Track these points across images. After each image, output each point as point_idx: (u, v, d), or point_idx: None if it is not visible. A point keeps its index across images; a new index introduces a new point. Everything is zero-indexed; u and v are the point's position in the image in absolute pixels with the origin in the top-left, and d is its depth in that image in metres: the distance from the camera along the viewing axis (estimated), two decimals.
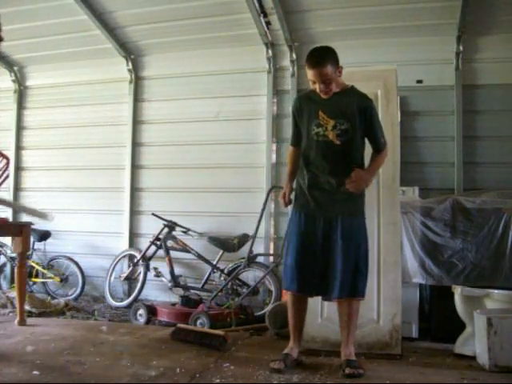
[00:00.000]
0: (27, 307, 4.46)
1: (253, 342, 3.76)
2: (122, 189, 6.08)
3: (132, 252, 5.67)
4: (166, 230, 5.35)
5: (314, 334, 3.39)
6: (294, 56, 5.50)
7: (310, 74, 2.91)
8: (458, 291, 3.48)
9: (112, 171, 6.16)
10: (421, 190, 4.54)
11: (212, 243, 5.20)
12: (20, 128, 6.58)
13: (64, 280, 5.79)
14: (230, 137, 5.73)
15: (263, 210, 4.93)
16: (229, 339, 3.42)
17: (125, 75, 6.13)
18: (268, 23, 5.27)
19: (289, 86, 5.56)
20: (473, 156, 5.05)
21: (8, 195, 6.47)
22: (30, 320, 4.20)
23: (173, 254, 5.30)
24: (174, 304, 4.76)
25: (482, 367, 3.07)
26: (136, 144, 6.09)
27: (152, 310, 4.55)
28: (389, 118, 3.53)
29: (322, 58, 2.87)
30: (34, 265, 5.84)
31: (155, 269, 5.32)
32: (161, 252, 5.31)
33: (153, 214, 5.45)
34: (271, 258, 5.35)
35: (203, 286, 5.17)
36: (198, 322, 4.17)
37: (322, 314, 3.46)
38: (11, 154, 6.41)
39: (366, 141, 3.06)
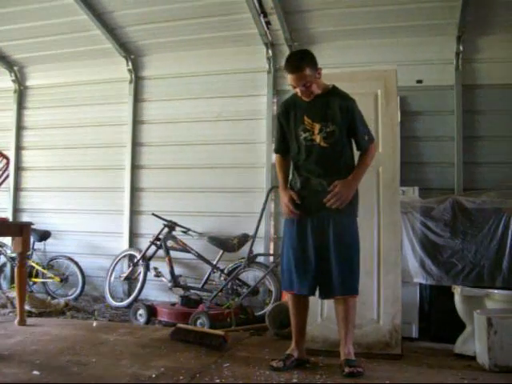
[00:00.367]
0: (27, 307, 4.46)
1: (253, 342, 3.76)
2: (121, 189, 6.08)
3: (132, 252, 5.67)
4: (166, 230, 5.35)
5: (314, 334, 3.38)
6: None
7: (289, 79, 2.94)
8: (458, 291, 3.48)
9: (112, 171, 6.16)
10: (421, 190, 4.53)
11: (212, 243, 5.20)
12: (20, 128, 6.58)
13: (64, 280, 5.79)
14: (230, 137, 5.74)
15: (263, 209, 4.94)
16: (229, 339, 3.42)
17: (125, 75, 6.13)
18: (268, 23, 5.27)
19: (289, 86, 5.54)
20: (473, 156, 5.05)
21: (8, 195, 6.48)
22: (29, 320, 4.20)
23: (173, 253, 5.30)
24: (173, 304, 4.75)
25: (482, 367, 3.07)
26: (136, 144, 6.09)
27: (152, 310, 4.55)
28: (389, 118, 3.53)
29: (300, 62, 2.89)
30: (34, 265, 5.84)
31: (155, 269, 5.32)
32: (161, 252, 5.32)
33: (153, 214, 5.45)
34: (271, 258, 5.35)
35: (203, 286, 5.18)
36: (198, 321, 4.17)
37: (321, 313, 3.45)
38: (11, 154, 6.43)
39: None
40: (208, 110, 5.83)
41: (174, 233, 5.38)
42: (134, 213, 6.03)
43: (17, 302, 4.15)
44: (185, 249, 5.31)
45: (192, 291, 5.06)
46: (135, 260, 5.48)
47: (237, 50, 5.75)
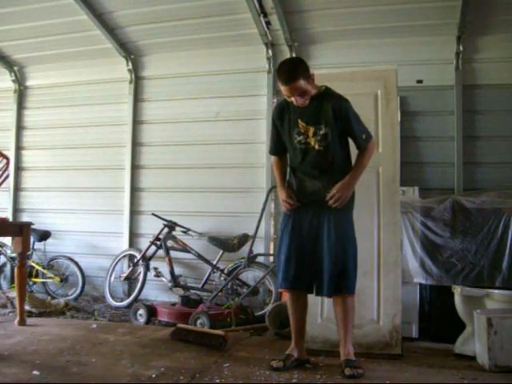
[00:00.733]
0: (27, 307, 4.46)
1: (253, 342, 3.76)
2: (121, 189, 6.08)
3: (132, 252, 5.67)
4: (166, 230, 5.35)
5: (314, 334, 3.38)
6: (294, 56, 5.49)
7: (283, 89, 2.92)
8: (457, 291, 3.49)
9: (112, 171, 6.16)
10: (421, 190, 4.54)
11: (212, 243, 5.20)
12: (20, 128, 6.58)
13: (64, 280, 5.79)
14: (229, 137, 5.74)
15: (263, 209, 4.94)
16: (229, 339, 3.42)
17: (125, 75, 6.13)
18: (268, 23, 5.27)
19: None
20: (473, 156, 5.05)
21: (8, 195, 6.48)
22: (29, 320, 4.20)
23: (173, 253, 5.30)
24: (173, 304, 4.76)
25: (481, 367, 3.07)
26: (136, 144, 6.09)
27: (152, 310, 4.55)
28: (389, 118, 3.53)
29: (293, 72, 2.87)
30: (34, 265, 5.84)
31: (155, 269, 5.32)
32: (161, 252, 5.31)
33: (153, 214, 5.45)
34: (271, 258, 5.34)
35: (203, 286, 5.18)
36: (198, 322, 4.17)
37: (321, 314, 3.46)
38: (11, 154, 6.44)
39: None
40: (208, 110, 5.83)
41: (173, 233, 5.38)
42: (134, 213, 6.02)
43: (17, 302, 4.15)
44: (185, 249, 5.31)
45: (192, 291, 5.06)
46: (135, 260, 5.48)
47: (237, 49, 5.74)
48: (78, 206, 6.20)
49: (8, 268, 6.12)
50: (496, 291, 3.46)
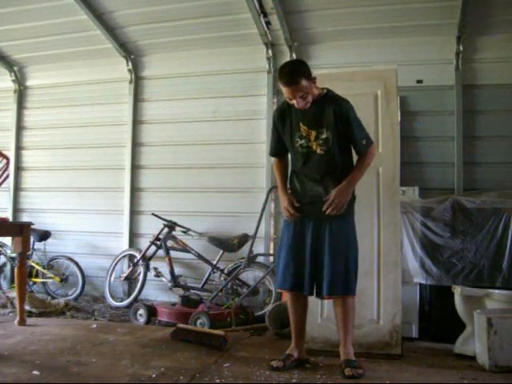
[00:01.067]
0: (27, 307, 4.46)
1: (253, 341, 3.76)
2: (121, 189, 6.08)
3: (132, 252, 5.67)
4: (166, 230, 5.35)
5: (314, 334, 3.38)
6: (294, 56, 5.49)
7: (285, 91, 2.90)
8: (457, 291, 3.49)
9: (112, 171, 6.16)
10: (421, 190, 4.54)
11: (212, 243, 5.20)
12: (20, 128, 6.58)
13: (64, 280, 5.79)
14: (229, 137, 5.74)
15: (263, 209, 4.94)
16: (229, 339, 3.42)
17: (125, 75, 6.13)
18: (268, 23, 5.27)
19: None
20: (473, 156, 5.05)
21: (8, 195, 6.48)
22: (29, 320, 4.20)
23: (173, 253, 5.30)
24: (174, 304, 4.76)
25: (482, 367, 3.07)
26: (136, 144, 6.09)
27: (152, 310, 4.55)
28: (389, 118, 3.53)
29: (295, 74, 2.84)
30: (34, 265, 5.84)
31: (155, 269, 5.32)
32: (161, 252, 5.31)
33: (153, 214, 5.45)
34: (271, 258, 5.34)
35: (203, 286, 5.17)
36: (198, 322, 4.17)
37: (321, 314, 3.45)
38: (11, 154, 6.43)
39: None
40: (208, 110, 5.83)
41: (173, 233, 5.38)
42: (134, 213, 6.03)
43: (17, 302, 4.15)
44: (185, 249, 5.31)
45: (192, 291, 5.06)
46: (135, 260, 5.47)
47: (237, 49, 5.74)
48: (78, 206, 6.20)
49: (8, 268, 6.11)
50: (496, 291, 3.46)
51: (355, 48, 5.34)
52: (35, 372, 2.72)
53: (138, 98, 6.14)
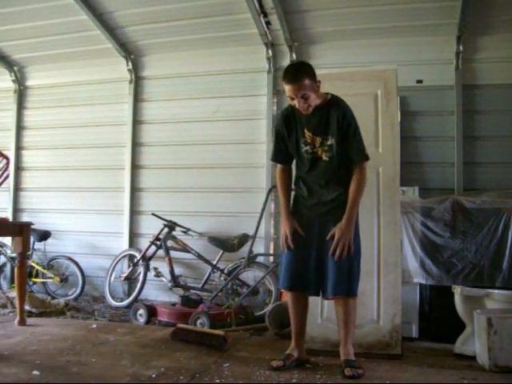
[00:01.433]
0: (27, 307, 4.46)
1: (253, 342, 3.76)
2: (121, 189, 6.09)
3: (132, 252, 5.67)
4: (166, 230, 5.35)
5: (313, 334, 3.38)
6: (294, 56, 5.50)
7: (287, 89, 2.86)
8: (457, 291, 3.48)
9: (112, 171, 6.16)
10: (421, 190, 4.54)
11: (212, 243, 5.20)
12: (20, 128, 6.59)
13: (64, 280, 5.79)
14: (229, 137, 5.74)
15: (263, 209, 4.93)
16: (229, 339, 3.42)
17: (125, 75, 6.13)
18: (268, 23, 5.28)
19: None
20: (473, 156, 5.05)
21: (8, 195, 6.48)
22: (29, 320, 4.20)
23: (173, 253, 5.30)
24: (174, 304, 4.76)
25: (482, 367, 3.07)
26: (136, 144, 6.09)
27: (152, 310, 4.55)
28: (389, 118, 3.53)
29: (299, 72, 2.83)
30: (34, 265, 5.84)
31: (155, 269, 5.32)
32: (161, 252, 5.31)
33: (153, 214, 5.45)
34: (271, 258, 5.35)
35: (203, 286, 5.17)
36: (198, 321, 4.17)
37: (321, 314, 3.45)
38: (11, 154, 6.43)
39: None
40: (208, 110, 5.84)
41: (174, 233, 5.38)
42: (134, 213, 6.03)
43: (17, 302, 4.14)
44: (185, 249, 5.31)
45: (192, 291, 5.06)
46: (135, 260, 5.47)
47: (237, 49, 5.75)
48: (78, 206, 6.20)
49: (8, 268, 6.12)
50: (496, 291, 3.46)
51: (355, 48, 5.34)
52: (35, 372, 2.72)
53: (137, 98, 6.14)
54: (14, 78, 6.57)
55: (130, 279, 5.58)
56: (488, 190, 4.63)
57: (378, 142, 3.49)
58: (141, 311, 4.56)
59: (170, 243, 5.32)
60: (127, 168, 6.06)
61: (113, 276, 5.65)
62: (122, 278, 5.54)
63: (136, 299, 5.24)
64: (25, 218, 6.34)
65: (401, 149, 3.60)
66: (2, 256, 6.13)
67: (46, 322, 4.31)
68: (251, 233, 5.00)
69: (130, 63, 6.08)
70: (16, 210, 6.49)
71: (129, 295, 5.61)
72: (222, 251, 5.21)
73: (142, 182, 6.07)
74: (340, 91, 3.09)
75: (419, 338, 4.00)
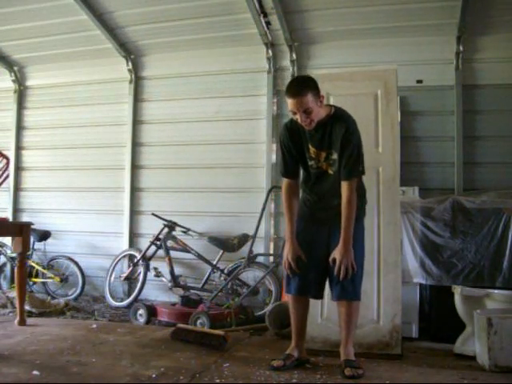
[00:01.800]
0: (27, 307, 4.45)
1: (253, 342, 3.76)
2: (121, 189, 6.08)
3: (132, 252, 5.67)
4: (166, 230, 5.35)
5: (313, 334, 3.38)
6: (294, 56, 5.50)
7: (290, 104, 2.82)
8: (458, 291, 3.48)
9: (112, 171, 6.16)
10: (421, 190, 4.54)
11: (212, 243, 5.20)
12: (20, 128, 6.58)
13: (64, 280, 5.79)
14: (229, 137, 5.74)
15: (263, 209, 4.94)
16: (229, 339, 3.41)
17: (125, 75, 6.13)
18: (268, 23, 5.27)
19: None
20: (473, 156, 5.05)
21: (8, 195, 6.48)
22: (29, 320, 4.20)
23: (173, 253, 5.30)
24: (174, 304, 4.76)
25: (482, 367, 3.07)
26: (136, 144, 6.09)
27: (152, 310, 4.55)
28: (389, 118, 3.53)
29: (303, 87, 2.80)
30: (34, 265, 5.84)
31: (155, 269, 5.32)
32: (161, 252, 5.31)
33: (153, 214, 5.45)
34: (271, 258, 5.35)
35: (203, 286, 5.18)
36: (198, 321, 4.17)
37: (321, 314, 3.45)
38: (11, 154, 6.43)
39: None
40: (208, 110, 5.83)
41: (174, 233, 5.38)
42: (134, 213, 6.03)
43: (17, 302, 4.14)
44: (185, 249, 5.31)
45: (192, 291, 5.06)
46: (135, 260, 5.47)
47: (237, 49, 5.74)
48: (78, 206, 6.20)
49: (8, 268, 6.11)
50: (496, 291, 3.46)
51: (355, 48, 5.33)
52: (35, 372, 2.72)
53: (137, 98, 6.14)
54: (14, 78, 6.56)
55: (130, 279, 5.58)
56: (488, 189, 4.63)
57: (378, 142, 3.50)
58: (141, 311, 4.56)
59: (170, 243, 5.32)
60: (127, 168, 6.06)
61: (113, 276, 5.65)
62: (122, 278, 5.54)
63: (136, 299, 5.24)
64: (25, 218, 6.33)
65: (401, 149, 3.60)
66: (2, 256, 6.12)
67: (46, 321, 4.31)
68: (251, 233, 5.00)
69: (130, 63, 6.08)
70: (16, 210, 6.49)
71: (129, 295, 5.61)
72: (222, 251, 5.21)
73: (141, 182, 6.07)
74: (340, 91, 3.10)
75: (419, 338, 4.00)
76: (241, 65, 5.75)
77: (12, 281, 5.77)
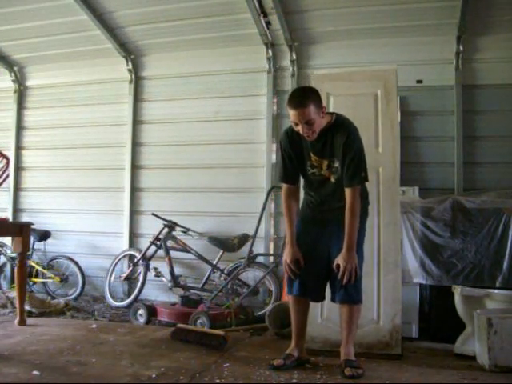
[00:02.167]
0: (27, 307, 4.45)
1: (253, 342, 3.76)
2: (121, 189, 6.08)
3: (132, 252, 5.67)
4: (166, 230, 5.35)
5: (313, 334, 3.38)
6: (294, 56, 5.50)
7: (292, 115, 2.82)
8: (458, 291, 3.48)
9: (112, 171, 6.16)
10: (421, 190, 4.54)
11: (212, 243, 5.20)
12: (20, 128, 6.58)
13: (64, 280, 5.79)
14: (229, 137, 5.74)
15: (263, 209, 4.94)
16: (229, 339, 3.42)
17: (125, 75, 6.13)
18: (268, 23, 5.27)
19: (289, 86, 5.55)
20: (473, 156, 5.05)
21: (8, 195, 6.48)
22: (29, 320, 4.20)
23: (173, 253, 5.30)
24: (174, 304, 4.76)
25: (482, 367, 3.07)
26: (136, 144, 6.09)
27: (152, 310, 4.55)
28: (389, 118, 3.53)
29: (305, 98, 2.79)
30: (34, 265, 5.84)
31: (155, 269, 5.32)
32: (161, 252, 5.31)
33: (153, 214, 5.45)
34: (271, 258, 5.35)
35: (203, 286, 5.17)
36: (198, 321, 4.17)
37: (321, 314, 3.45)
38: (11, 154, 6.43)
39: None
40: (208, 110, 5.83)
41: (173, 233, 5.38)
42: (134, 213, 6.03)
43: (17, 302, 4.14)
44: (185, 249, 5.31)
45: (192, 291, 5.06)
46: (135, 260, 5.47)
47: (237, 49, 5.74)
48: (78, 206, 6.20)
49: (8, 268, 6.11)
50: (496, 291, 3.46)
51: (355, 48, 5.33)
52: (35, 372, 2.72)
53: (137, 98, 6.14)
54: (14, 77, 6.56)
55: (130, 279, 5.58)
56: (488, 189, 4.63)
57: (378, 141, 3.49)
58: (141, 311, 4.56)
59: (170, 243, 5.32)
60: (127, 168, 6.06)
61: (113, 276, 5.65)
62: (122, 278, 5.54)
63: (136, 299, 5.24)
64: (25, 218, 6.33)
65: (401, 149, 3.60)
66: (1, 256, 6.12)
67: (46, 321, 4.31)
68: (251, 233, 5.00)
69: (129, 63, 6.08)
70: (16, 210, 6.49)
71: (129, 295, 5.61)
72: (222, 251, 5.21)
73: (142, 182, 6.07)
74: (340, 91, 3.10)
75: (419, 338, 4.00)
76: (241, 65, 5.75)
77: (12, 281, 5.76)
